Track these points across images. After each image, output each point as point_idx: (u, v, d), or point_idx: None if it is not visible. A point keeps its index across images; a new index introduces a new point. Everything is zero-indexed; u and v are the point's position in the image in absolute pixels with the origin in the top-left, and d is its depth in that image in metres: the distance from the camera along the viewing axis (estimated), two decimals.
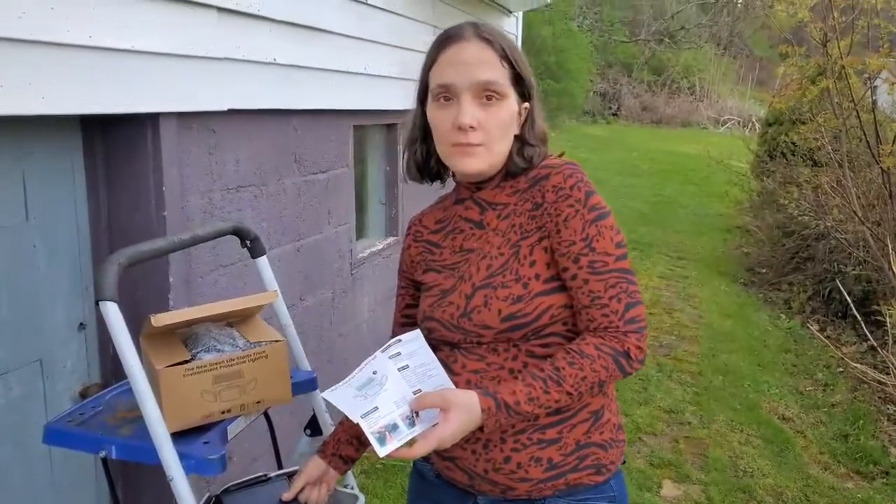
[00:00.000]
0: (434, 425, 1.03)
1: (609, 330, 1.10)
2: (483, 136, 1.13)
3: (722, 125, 23.15)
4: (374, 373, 1.07)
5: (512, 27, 5.94)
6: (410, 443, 1.03)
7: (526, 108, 1.20)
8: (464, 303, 1.16)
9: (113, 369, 1.88)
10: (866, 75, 4.71)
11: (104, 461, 1.27)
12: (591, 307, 1.10)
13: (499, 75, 1.13)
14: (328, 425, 1.81)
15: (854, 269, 5.19)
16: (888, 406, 3.86)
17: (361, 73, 2.99)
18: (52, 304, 1.73)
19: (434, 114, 1.16)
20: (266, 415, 1.61)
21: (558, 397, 1.06)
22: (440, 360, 1.15)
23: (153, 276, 1.90)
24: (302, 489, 1.33)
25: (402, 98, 3.54)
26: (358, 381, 1.06)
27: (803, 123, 6.46)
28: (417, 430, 1.04)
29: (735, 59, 34.53)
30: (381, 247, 3.57)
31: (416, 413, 1.05)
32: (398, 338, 1.11)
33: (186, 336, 1.40)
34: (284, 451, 1.88)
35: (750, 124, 20.19)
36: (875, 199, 5.00)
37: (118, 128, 1.79)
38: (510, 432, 1.13)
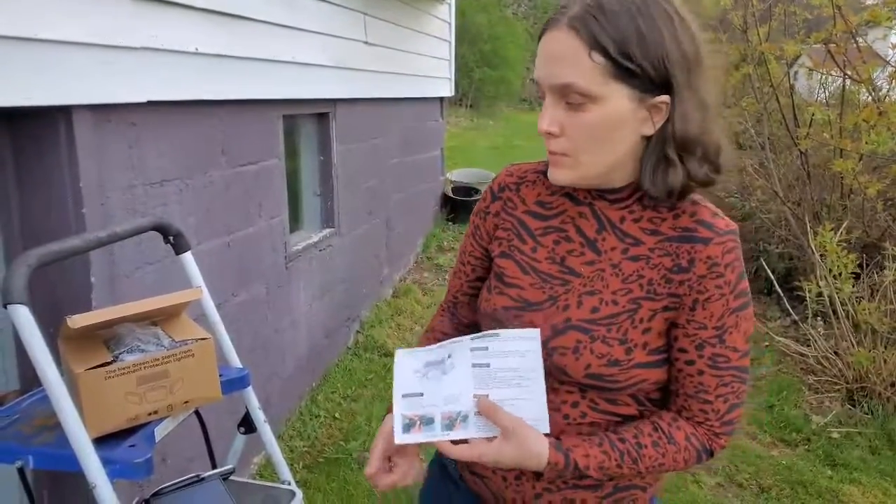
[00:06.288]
0: (490, 438, 0.92)
1: (702, 426, 1.00)
2: (567, 144, 0.94)
3: None
4: (449, 356, 0.94)
5: (445, 15, 5.94)
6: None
7: (665, 104, 0.90)
8: (549, 333, 0.99)
9: (33, 375, 1.79)
10: (785, 61, 4.91)
11: (20, 472, 1.21)
12: (693, 398, 0.99)
13: (582, 74, 0.87)
14: (262, 422, 1.79)
15: (777, 248, 5.43)
16: (809, 376, 4.07)
17: (290, 62, 2.93)
18: None
19: None
20: (197, 414, 1.58)
21: (627, 472, 0.97)
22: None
23: (74, 276, 1.82)
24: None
25: (333, 86, 3.50)
26: (431, 356, 0.95)
27: (728, 108, 6.70)
28: (452, 435, 0.92)
29: None
30: (316, 239, 3.53)
31: (467, 416, 0.92)
32: (496, 332, 0.95)
33: (109, 337, 1.35)
34: (220, 451, 1.85)
35: None
36: (795, 179, 5.24)
37: (27, 123, 1.69)
38: None
